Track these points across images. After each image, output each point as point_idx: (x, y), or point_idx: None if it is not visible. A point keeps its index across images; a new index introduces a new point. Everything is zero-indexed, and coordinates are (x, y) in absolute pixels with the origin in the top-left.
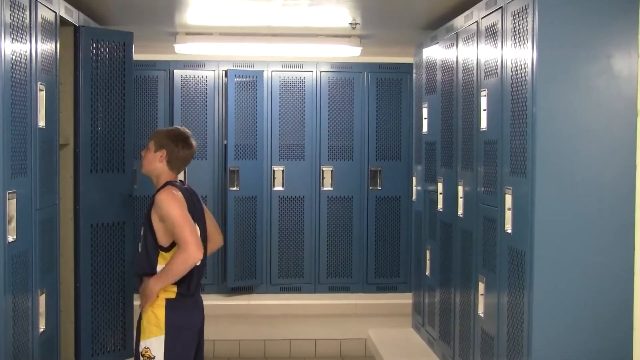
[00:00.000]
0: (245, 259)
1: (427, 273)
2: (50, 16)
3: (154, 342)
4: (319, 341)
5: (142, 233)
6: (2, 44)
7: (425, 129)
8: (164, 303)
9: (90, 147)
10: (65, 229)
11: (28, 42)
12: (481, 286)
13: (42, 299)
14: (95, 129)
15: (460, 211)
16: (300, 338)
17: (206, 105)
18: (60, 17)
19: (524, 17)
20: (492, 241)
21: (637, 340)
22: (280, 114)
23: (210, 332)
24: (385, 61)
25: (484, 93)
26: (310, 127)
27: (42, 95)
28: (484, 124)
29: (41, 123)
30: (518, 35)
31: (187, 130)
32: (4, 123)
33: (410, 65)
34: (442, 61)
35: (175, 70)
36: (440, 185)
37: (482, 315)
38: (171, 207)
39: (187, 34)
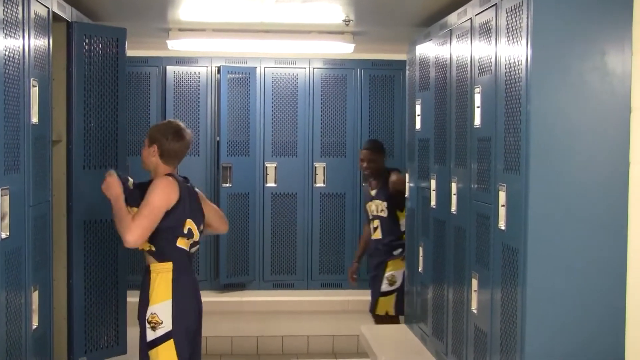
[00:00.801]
0: (237, 256)
1: (420, 269)
2: (42, 12)
3: (161, 307)
4: (311, 337)
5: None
6: None
7: (418, 125)
8: (171, 268)
9: (83, 143)
10: (59, 226)
11: (21, 38)
12: (474, 283)
13: (35, 295)
14: (88, 125)
15: (453, 208)
16: (293, 334)
17: (199, 102)
18: (53, 12)
19: (518, 14)
20: (485, 238)
21: (630, 336)
22: (272, 111)
23: (203, 328)
24: (378, 58)
25: (477, 90)
26: (303, 124)
27: (34, 92)
28: (477, 121)
29: (34, 119)
30: (512, 32)
31: (179, 123)
32: None
33: (403, 62)
34: (435, 58)
35: (167, 67)
36: (433, 182)
37: (475, 311)
38: (157, 192)
39: (180, 30)
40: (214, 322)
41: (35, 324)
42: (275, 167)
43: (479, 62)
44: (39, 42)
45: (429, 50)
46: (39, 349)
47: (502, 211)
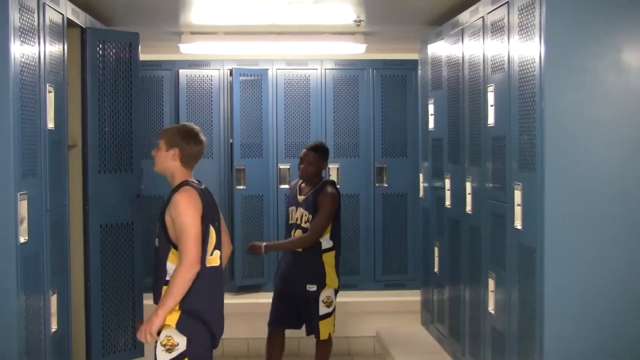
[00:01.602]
0: (252, 258)
1: (435, 270)
2: (57, 18)
3: (174, 330)
4: None
5: (157, 229)
6: (12, 47)
7: (431, 125)
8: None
9: (98, 147)
10: (75, 230)
11: (37, 45)
12: (491, 283)
13: (54, 299)
14: (103, 130)
15: (468, 207)
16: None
17: (211, 105)
18: (67, 19)
19: (530, 11)
20: (501, 237)
21: None
22: (285, 112)
23: None
24: (390, 58)
25: (490, 89)
26: (315, 125)
27: (50, 97)
28: (491, 120)
29: (50, 124)
30: (525, 30)
31: (196, 126)
32: (14, 125)
33: (415, 62)
34: (447, 57)
35: (180, 70)
36: (447, 182)
37: (492, 312)
38: (184, 212)
39: (192, 33)
40: (230, 324)
41: (54, 327)
42: (289, 169)
43: (491, 61)
44: (54, 49)
45: (441, 49)
46: (58, 352)
47: (517, 210)
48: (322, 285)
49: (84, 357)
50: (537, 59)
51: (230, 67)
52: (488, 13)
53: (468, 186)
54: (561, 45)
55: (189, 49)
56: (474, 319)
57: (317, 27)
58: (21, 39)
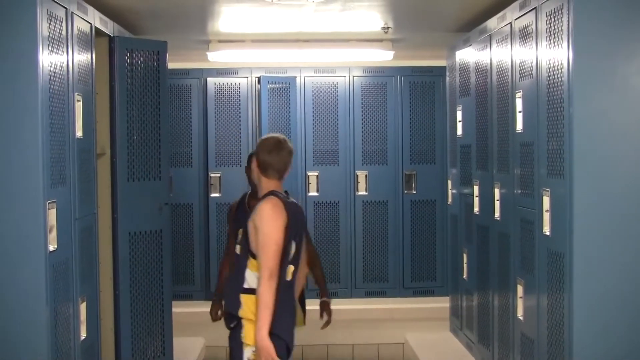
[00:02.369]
0: None
1: (464, 276)
2: (85, 27)
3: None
4: (356, 346)
5: (240, 236)
6: (40, 56)
7: (459, 131)
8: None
9: (126, 156)
10: (104, 238)
11: (65, 54)
12: (520, 289)
13: (83, 307)
14: (132, 138)
15: (497, 214)
16: (338, 343)
17: (240, 112)
18: (96, 28)
19: (558, 17)
20: (530, 243)
21: None
22: (313, 120)
23: None
24: (417, 64)
25: (519, 95)
26: (344, 132)
27: (79, 106)
28: (519, 126)
29: (79, 133)
30: (553, 36)
31: (276, 136)
32: (43, 133)
33: (443, 68)
34: (475, 63)
35: (208, 78)
36: (476, 188)
37: (521, 318)
38: (267, 222)
39: (220, 41)
40: None
41: (83, 334)
42: (317, 176)
43: (519, 67)
44: (82, 58)
45: (468, 55)
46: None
47: (546, 216)
48: None
49: None
50: (566, 65)
51: (258, 75)
52: (516, 19)
53: (496, 192)
54: (589, 50)
55: (216, 57)
56: (503, 325)
57: (345, 35)
58: (50, 48)
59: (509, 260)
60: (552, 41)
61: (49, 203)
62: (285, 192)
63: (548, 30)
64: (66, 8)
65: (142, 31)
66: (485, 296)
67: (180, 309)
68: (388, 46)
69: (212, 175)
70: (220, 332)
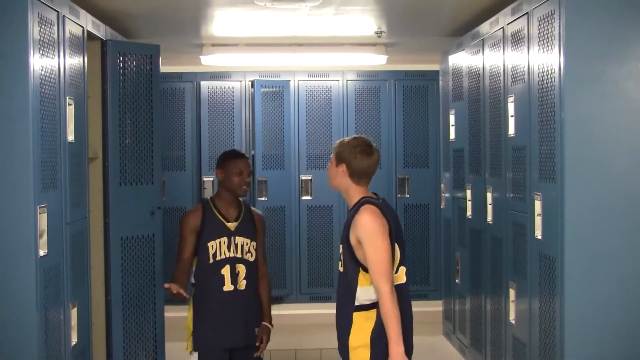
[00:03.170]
0: (274, 269)
1: (457, 280)
2: (77, 31)
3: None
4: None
5: (341, 252)
6: (31, 59)
7: (452, 136)
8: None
9: (119, 160)
10: (96, 242)
11: (56, 57)
12: (512, 293)
13: (74, 312)
14: (124, 142)
15: (489, 218)
16: (332, 347)
17: (233, 116)
18: (88, 31)
19: (550, 22)
20: (522, 247)
21: None
22: (307, 124)
23: None
24: (411, 69)
25: (511, 99)
26: (337, 136)
27: (70, 110)
28: (511, 130)
29: (70, 137)
30: (544, 41)
31: (364, 139)
32: (33, 137)
33: (436, 73)
34: (468, 68)
35: (201, 82)
36: (468, 192)
37: (513, 321)
38: (374, 235)
39: (213, 45)
40: None
41: (74, 340)
42: (311, 180)
43: (511, 71)
44: (74, 61)
45: (461, 60)
46: None
47: (538, 220)
48: None
49: None
50: (557, 69)
51: (252, 79)
52: (508, 24)
53: (489, 196)
54: (580, 55)
55: (210, 60)
56: (495, 329)
57: (338, 39)
58: (41, 51)
59: (501, 264)
60: (543, 46)
61: (39, 208)
62: (374, 194)
63: (540, 35)
64: (58, 11)
65: (135, 35)
66: (477, 300)
67: (172, 313)
68: (381, 50)
69: (205, 179)
70: None
